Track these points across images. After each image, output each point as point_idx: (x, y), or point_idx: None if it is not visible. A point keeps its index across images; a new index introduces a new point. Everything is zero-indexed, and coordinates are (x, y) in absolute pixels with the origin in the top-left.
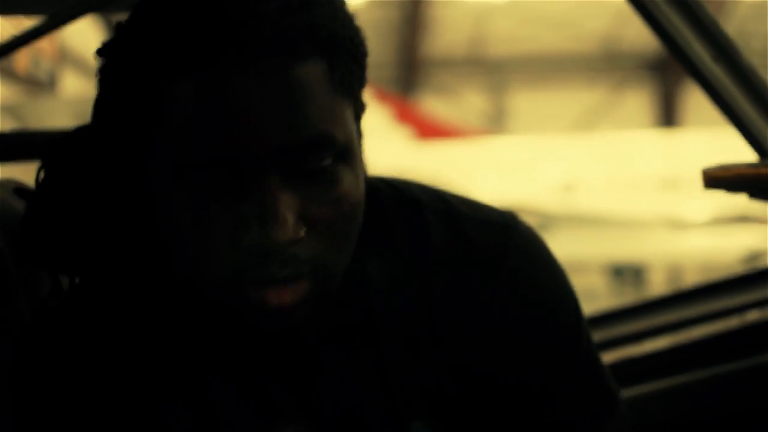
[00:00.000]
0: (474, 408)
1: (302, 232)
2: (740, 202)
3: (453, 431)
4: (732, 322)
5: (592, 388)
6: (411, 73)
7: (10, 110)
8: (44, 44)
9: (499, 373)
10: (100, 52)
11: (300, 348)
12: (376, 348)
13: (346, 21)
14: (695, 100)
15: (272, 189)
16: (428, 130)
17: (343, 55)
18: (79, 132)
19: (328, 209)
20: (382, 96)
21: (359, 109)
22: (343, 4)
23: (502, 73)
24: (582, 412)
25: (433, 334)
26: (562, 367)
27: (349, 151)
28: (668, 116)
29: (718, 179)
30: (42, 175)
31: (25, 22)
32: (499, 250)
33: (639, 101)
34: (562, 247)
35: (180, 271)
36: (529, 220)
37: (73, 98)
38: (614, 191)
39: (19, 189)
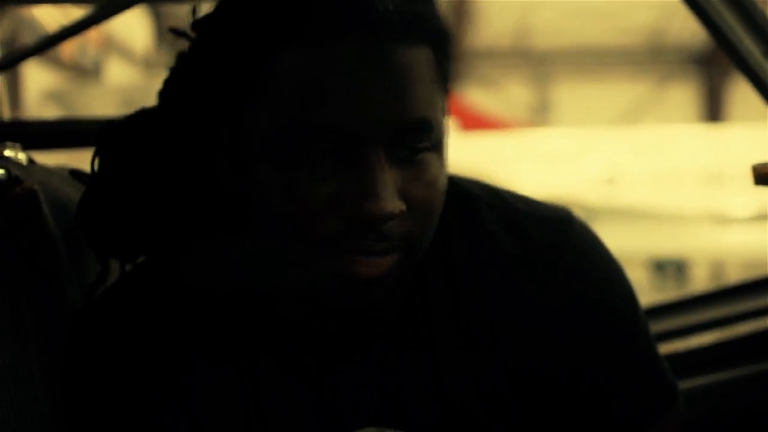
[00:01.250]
0: (530, 406)
1: (401, 208)
2: None
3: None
4: None
5: (651, 382)
6: (455, 65)
7: (56, 97)
8: (90, 32)
9: (556, 369)
10: (197, 24)
11: (356, 342)
12: (431, 345)
13: (443, 18)
14: (740, 95)
15: (376, 163)
16: (472, 121)
17: (444, 47)
18: (135, 119)
19: (424, 191)
20: None
21: (446, 104)
22: (438, 3)
23: (546, 65)
24: (642, 405)
25: (489, 331)
26: (621, 361)
27: (441, 142)
28: (713, 111)
29: None
30: (97, 161)
31: (75, 12)
32: (555, 246)
33: (684, 95)
34: (604, 240)
35: (265, 242)
36: None
37: (118, 86)
38: (657, 185)
39: (75, 171)
